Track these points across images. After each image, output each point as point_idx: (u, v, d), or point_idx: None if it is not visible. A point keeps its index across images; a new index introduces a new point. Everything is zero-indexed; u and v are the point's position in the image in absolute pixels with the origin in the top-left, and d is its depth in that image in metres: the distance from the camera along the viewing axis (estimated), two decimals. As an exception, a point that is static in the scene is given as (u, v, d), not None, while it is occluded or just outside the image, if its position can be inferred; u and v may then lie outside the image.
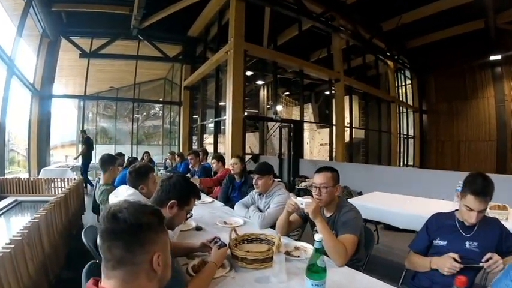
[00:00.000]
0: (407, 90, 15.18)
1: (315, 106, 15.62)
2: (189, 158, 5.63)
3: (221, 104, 9.49)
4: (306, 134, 13.22)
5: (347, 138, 11.33)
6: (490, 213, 2.51)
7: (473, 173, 1.76)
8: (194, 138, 12.11)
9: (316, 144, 14.66)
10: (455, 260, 1.62)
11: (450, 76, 13.88)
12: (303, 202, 1.90)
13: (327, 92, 13.84)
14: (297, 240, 2.31)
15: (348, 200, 2.78)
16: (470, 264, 1.62)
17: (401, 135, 14.49)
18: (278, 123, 10.14)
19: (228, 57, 7.42)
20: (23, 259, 1.98)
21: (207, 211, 2.97)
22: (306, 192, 7.67)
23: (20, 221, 3.87)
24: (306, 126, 12.23)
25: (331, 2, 9.48)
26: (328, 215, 2.05)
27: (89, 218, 4.81)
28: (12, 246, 1.83)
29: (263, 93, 14.13)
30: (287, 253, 1.83)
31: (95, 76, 11.36)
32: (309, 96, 15.36)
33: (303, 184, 8.11)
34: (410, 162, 15.01)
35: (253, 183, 2.79)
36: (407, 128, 15.02)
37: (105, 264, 0.83)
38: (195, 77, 10.66)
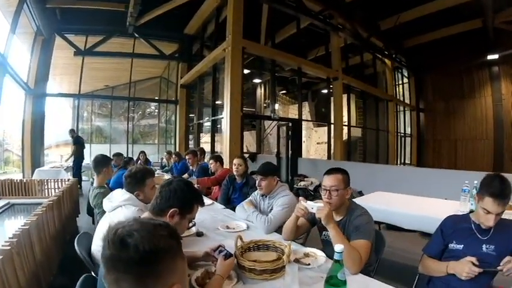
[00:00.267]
0: (405, 89, 15.16)
1: (311, 105, 15.56)
2: (186, 157, 5.50)
3: (218, 102, 9.37)
4: (302, 133, 13.16)
5: (345, 137, 11.26)
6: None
7: (491, 174, 1.69)
8: (190, 137, 11.97)
9: (313, 142, 14.61)
10: (473, 264, 1.56)
11: (447, 75, 13.88)
12: (314, 206, 1.79)
13: (324, 91, 13.81)
14: (302, 244, 2.20)
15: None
16: (488, 268, 1.57)
17: (399, 134, 14.46)
18: (275, 122, 10.04)
19: (226, 54, 7.30)
20: (13, 269, 1.83)
21: (207, 215, 2.81)
22: (305, 191, 7.60)
23: (13, 225, 3.73)
24: (302, 124, 12.16)
25: (330, 0, 9.39)
26: (338, 218, 1.94)
27: (83, 221, 4.66)
28: (0, 257, 1.69)
29: (260, 92, 14.03)
30: (296, 260, 1.73)
31: (89, 74, 11.18)
32: (305, 95, 15.30)
33: (302, 183, 8.04)
34: (407, 161, 15.00)
35: (257, 184, 2.66)
36: (404, 127, 14.99)
37: None
38: (191, 75, 10.51)
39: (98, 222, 2.20)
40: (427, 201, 3.53)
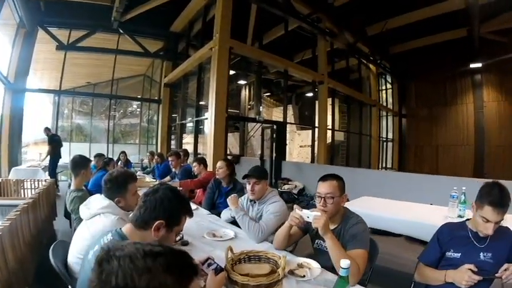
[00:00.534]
0: (388, 95, 15.39)
1: (295, 108, 15.55)
2: (169, 159, 5.26)
3: (202, 103, 9.20)
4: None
5: (328, 140, 11.29)
6: None
7: (489, 182, 1.67)
8: (172, 137, 11.73)
9: (296, 145, 14.58)
10: (472, 271, 1.55)
11: (430, 82, 14.21)
12: (310, 215, 1.68)
13: (308, 94, 13.83)
14: (291, 252, 2.08)
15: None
16: (487, 276, 1.56)
17: (381, 139, 14.65)
18: (259, 124, 9.94)
19: (213, 54, 7.15)
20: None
21: (192, 221, 2.56)
22: (289, 195, 7.52)
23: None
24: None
25: (319, 3, 9.40)
26: (332, 227, 1.83)
27: (60, 224, 4.38)
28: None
29: (245, 93, 13.92)
30: (291, 272, 1.62)
31: (71, 70, 10.81)
32: (289, 98, 15.27)
33: (286, 187, 7.97)
34: (389, 165, 15.21)
35: (249, 188, 2.47)
36: (386, 132, 15.20)
37: None
38: (175, 74, 10.30)
39: (75, 229, 1.99)
40: (413, 206, 3.53)
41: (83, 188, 2.82)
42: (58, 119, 11.00)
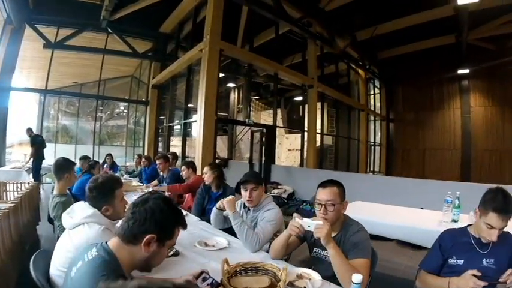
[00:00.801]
0: (376, 99, 15.53)
1: (284, 111, 15.55)
2: (157, 162, 5.11)
3: (190, 105, 9.05)
4: (275, 139, 13.09)
5: (317, 144, 11.28)
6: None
7: (492, 188, 1.67)
8: (160, 139, 11.53)
9: (284, 149, 14.56)
10: (476, 277, 1.54)
11: (418, 87, 14.43)
12: (311, 224, 1.60)
13: (297, 98, 13.84)
14: (286, 260, 1.99)
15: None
16: (491, 281, 1.56)
17: (368, 143, 14.75)
18: (248, 128, 9.86)
19: (203, 55, 7.03)
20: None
21: None
22: (279, 199, 7.43)
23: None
24: (274, 131, 12.09)
25: (310, 7, 9.41)
26: (332, 235, 1.75)
27: (44, 229, 4.19)
28: None
29: (234, 96, 13.85)
30: (290, 284, 1.53)
31: (58, 70, 10.57)
32: (278, 102, 15.27)
33: (276, 191, 7.89)
34: (376, 169, 15.32)
35: (247, 195, 2.32)
36: (374, 136, 15.31)
37: None
38: (164, 75, 10.13)
39: (58, 237, 1.84)
40: (405, 210, 3.54)
41: (67, 192, 2.66)
42: (43, 120, 10.68)
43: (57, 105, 12.71)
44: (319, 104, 11.17)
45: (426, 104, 14.31)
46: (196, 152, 7.14)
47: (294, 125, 14.62)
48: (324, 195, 1.74)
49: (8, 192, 4.62)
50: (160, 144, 11.51)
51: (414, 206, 3.70)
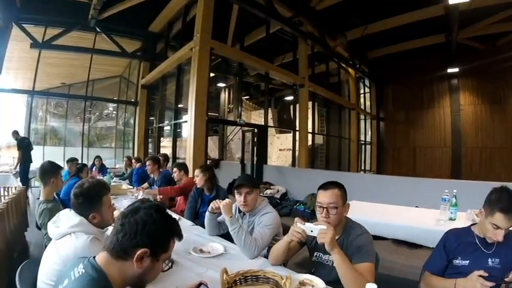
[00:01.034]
0: (366, 98, 15.59)
1: (274, 111, 15.49)
2: (147, 163, 4.98)
3: (181, 105, 8.93)
4: (265, 139, 13.03)
5: (309, 144, 11.26)
6: (478, 220, 2.46)
7: (497, 188, 1.64)
8: (149, 140, 11.36)
9: (275, 149, 14.51)
10: (482, 277, 1.52)
11: (408, 86, 14.51)
12: (315, 229, 1.53)
13: (287, 98, 13.81)
14: (284, 265, 1.91)
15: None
16: (497, 282, 1.55)
17: (359, 142, 14.80)
18: (238, 128, 9.78)
19: (193, 54, 6.92)
20: None
21: None
22: (272, 199, 7.35)
23: None
24: (265, 130, 12.04)
25: (301, 6, 9.38)
26: None
27: (32, 235, 4.04)
28: None
29: (224, 96, 13.75)
30: None
31: (45, 70, 10.29)
32: (269, 101, 15.22)
33: (268, 191, 7.82)
34: (367, 168, 15.39)
35: (241, 200, 2.21)
36: (364, 134, 15.37)
37: None
38: (153, 75, 9.98)
39: (45, 246, 1.72)
40: (400, 209, 3.55)
41: (54, 198, 2.53)
42: (31, 122, 10.45)
43: (45, 106, 12.45)
44: (310, 104, 11.16)
45: (416, 103, 14.41)
46: (187, 153, 7.03)
47: (284, 124, 14.59)
48: (325, 197, 1.67)
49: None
50: (150, 145, 11.35)
51: (408, 205, 3.70)
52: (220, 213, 2.24)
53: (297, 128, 10.61)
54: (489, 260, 1.63)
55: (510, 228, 1.58)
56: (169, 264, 1.16)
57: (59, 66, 11.07)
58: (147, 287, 1.17)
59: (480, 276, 1.52)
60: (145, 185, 4.92)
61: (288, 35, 10.13)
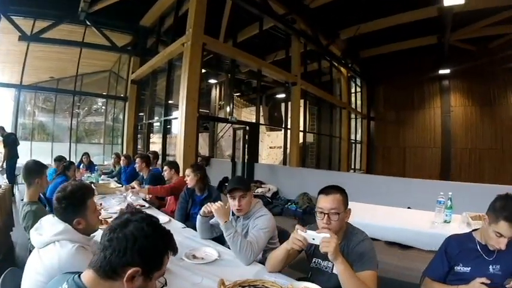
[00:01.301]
0: (357, 98, 15.64)
1: (265, 109, 15.44)
2: (136, 161, 4.84)
3: (171, 101, 8.77)
4: (255, 137, 12.97)
5: (300, 141, 11.25)
6: (472, 223, 2.51)
7: (502, 195, 1.61)
8: (139, 137, 11.17)
9: (265, 147, 14.46)
10: (484, 284, 1.52)
11: (399, 86, 14.62)
12: (317, 238, 1.46)
13: (279, 95, 13.76)
14: (279, 272, 1.84)
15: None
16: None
17: (350, 141, 14.86)
18: (229, 125, 9.68)
19: (185, 49, 6.77)
20: None
21: None
22: (263, 198, 7.29)
23: None
24: (255, 128, 11.98)
25: (295, 4, 9.31)
26: None
27: (18, 236, 3.90)
28: None
29: (215, 93, 13.61)
30: None
31: (33, 64, 10.05)
32: (260, 98, 15.15)
33: (259, 190, 7.76)
34: (357, 167, 15.47)
35: (235, 204, 2.12)
36: (355, 134, 15.44)
37: None
38: (144, 70, 9.79)
39: (30, 251, 1.61)
40: (393, 210, 3.51)
41: (39, 198, 2.40)
42: (18, 116, 10.14)
43: (33, 101, 12.19)
44: (301, 102, 11.12)
45: (407, 103, 14.51)
46: (177, 151, 6.89)
47: (275, 122, 14.54)
48: (327, 203, 1.60)
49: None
50: (139, 141, 11.18)
51: (399, 206, 3.67)
52: (212, 216, 2.16)
53: (289, 126, 10.54)
54: (490, 267, 1.61)
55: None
56: (163, 281, 1.05)
57: (48, 60, 10.85)
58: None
59: (482, 283, 1.51)
60: (134, 184, 4.77)
61: (281, 33, 10.05)
